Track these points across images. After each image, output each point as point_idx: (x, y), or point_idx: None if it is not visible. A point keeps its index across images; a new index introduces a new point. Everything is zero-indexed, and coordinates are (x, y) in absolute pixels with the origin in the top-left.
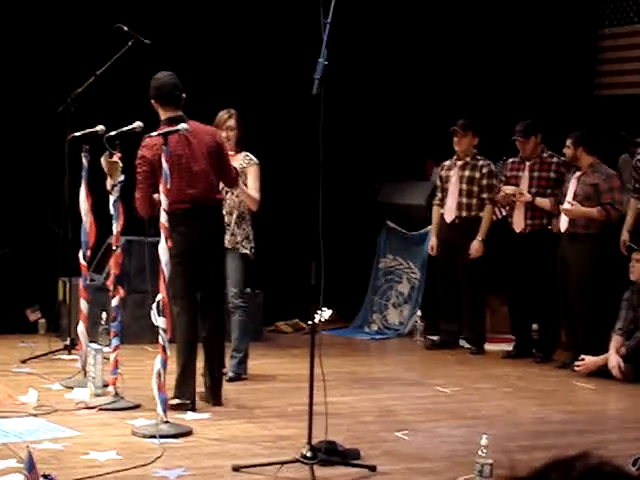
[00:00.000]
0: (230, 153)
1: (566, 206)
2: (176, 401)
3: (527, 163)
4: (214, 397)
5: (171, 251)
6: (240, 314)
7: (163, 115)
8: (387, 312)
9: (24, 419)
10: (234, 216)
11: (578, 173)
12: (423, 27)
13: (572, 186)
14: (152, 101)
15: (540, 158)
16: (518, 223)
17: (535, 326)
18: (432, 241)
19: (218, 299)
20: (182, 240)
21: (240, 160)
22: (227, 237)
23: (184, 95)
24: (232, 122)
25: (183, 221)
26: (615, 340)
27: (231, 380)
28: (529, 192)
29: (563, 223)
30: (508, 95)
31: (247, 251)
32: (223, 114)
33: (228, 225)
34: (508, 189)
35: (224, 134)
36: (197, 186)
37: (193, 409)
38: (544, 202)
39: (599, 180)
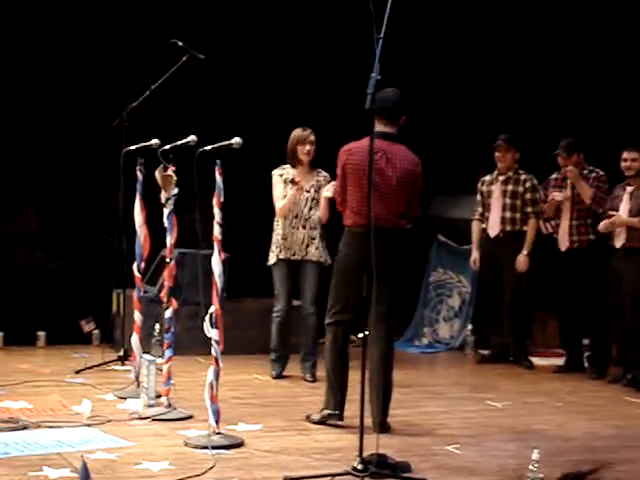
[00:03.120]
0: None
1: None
2: (326, 412)
3: (568, 181)
4: (380, 425)
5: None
6: (315, 320)
7: (377, 127)
8: (438, 326)
9: (78, 429)
10: (318, 230)
11: (630, 188)
12: (475, 40)
13: (625, 201)
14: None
15: (581, 175)
16: (563, 242)
17: (587, 341)
18: (474, 255)
19: (383, 326)
20: (346, 258)
21: (315, 175)
22: (312, 250)
23: (403, 116)
24: (313, 137)
25: (353, 239)
26: None
27: (313, 381)
28: (572, 208)
29: (618, 238)
30: (558, 109)
31: (328, 263)
32: (301, 131)
33: (313, 239)
34: (557, 195)
35: (307, 148)
36: (375, 207)
37: (340, 419)
38: (586, 189)
39: None
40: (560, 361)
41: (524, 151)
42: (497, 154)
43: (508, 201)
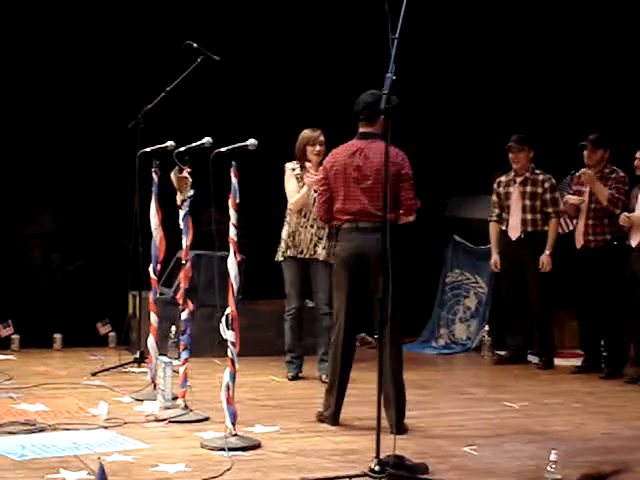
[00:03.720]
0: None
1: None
2: (319, 411)
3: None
4: (397, 425)
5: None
6: (329, 320)
7: (359, 129)
8: (454, 327)
9: (94, 431)
10: (326, 230)
11: None
12: (490, 40)
13: None
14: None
15: (602, 173)
16: (579, 239)
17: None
18: (494, 258)
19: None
20: (342, 254)
21: None
22: (320, 250)
23: (381, 115)
24: (323, 137)
25: (345, 235)
26: None
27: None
28: (589, 207)
29: (634, 238)
30: (577, 109)
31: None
32: (310, 132)
33: (320, 239)
34: (572, 199)
35: (317, 148)
36: (362, 202)
37: (335, 423)
38: (602, 191)
39: None
40: (578, 361)
41: (540, 149)
42: (510, 155)
43: (528, 203)
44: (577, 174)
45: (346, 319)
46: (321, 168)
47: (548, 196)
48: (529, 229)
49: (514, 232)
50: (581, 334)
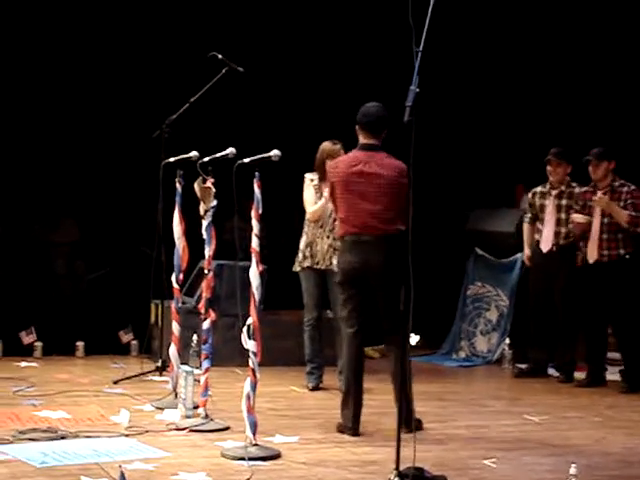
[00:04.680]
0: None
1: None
2: (339, 422)
3: (599, 192)
4: (406, 424)
5: (336, 276)
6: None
7: (360, 140)
8: (475, 339)
9: (116, 439)
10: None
11: None
12: (514, 54)
13: None
14: (356, 125)
15: (611, 187)
16: (592, 254)
17: (618, 355)
18: (526, 253)
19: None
20: (345, 267)
21: None
22: (335, 261)
23: (386, 129)
24: (343, 151)
25: (348, 248)
26: None
27: None
28: (602, 221)
29: None
30: (597, 122)
31: None
32: (330, 145)
33: (336, 250)
34: (579, 217)
35: None
36: (362, 214)
37: (355, 434)
38: (620, 213)
39: None
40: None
41: (575, 164)
42: (548, 168)
43: (563, 216)
44: (584, 190)
45: (352, 331)
46: (327, 183)
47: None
48: (561, 242)
49: (546, 245)
50: (587, 347)
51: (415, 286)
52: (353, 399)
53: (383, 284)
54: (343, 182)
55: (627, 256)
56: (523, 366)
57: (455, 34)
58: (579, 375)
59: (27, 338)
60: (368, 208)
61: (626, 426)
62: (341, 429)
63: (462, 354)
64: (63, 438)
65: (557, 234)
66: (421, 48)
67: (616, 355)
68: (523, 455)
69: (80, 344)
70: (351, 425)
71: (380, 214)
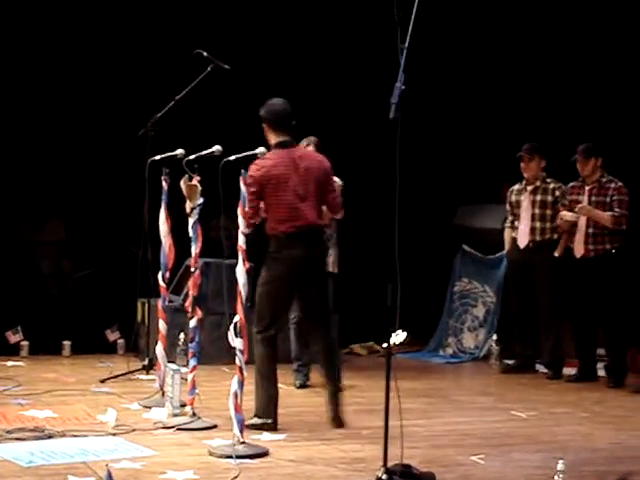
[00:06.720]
0: None
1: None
2: (258, 420)
3: (586, 188)
4: (337, 419)
5: (269, 273)
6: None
7: (274, 139)
8: (462, 336)
9: (103, 438)
10: (333, 239)
11: None
12: (500, 49)
13: None
14: (264, 125)
15: (599, 183)
16: (578, 249)
17: (603, 351)
18: (506, 248)
19: (324, 320)
20: (283, 263)
21: None
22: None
23: (294, 122)
24: (311, 149)
25: (287, 244)
26: None
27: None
28: (587, 217)
29: None
30: (585, 116)
31: (336, 271)
32: (302, 143)
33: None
34: (567, 215)
35: None
36: (305, 211)
37: (274, 429)
38: (603, 217)
39: None
40: (573, 370)
41: (552, 158)
42: (522, 164)
43: (537, 211)
44: (571, 185)
45: (274, 328)
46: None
47: (559, 205)
48: (537, 238)
49: (523, 240)
50: (576, 343)
51: (402, 282)
52: (275, 394)
53: (321, 275)
54: (279, 183)
55: (613, 251)
56: (510, 362)
57: (441, 31)
58: (568, 371)
59: (13, 337)
60: (305, 205)
61: (614, 421)
62: (263, 426)
63: (449, 350)
64: (50, 437)
65: (533, 230)
66: (406, 45)
67: (601, 351)
68: (511, 451)
69: (67, 343)
70: (273, 422)
71: (316, 207)
